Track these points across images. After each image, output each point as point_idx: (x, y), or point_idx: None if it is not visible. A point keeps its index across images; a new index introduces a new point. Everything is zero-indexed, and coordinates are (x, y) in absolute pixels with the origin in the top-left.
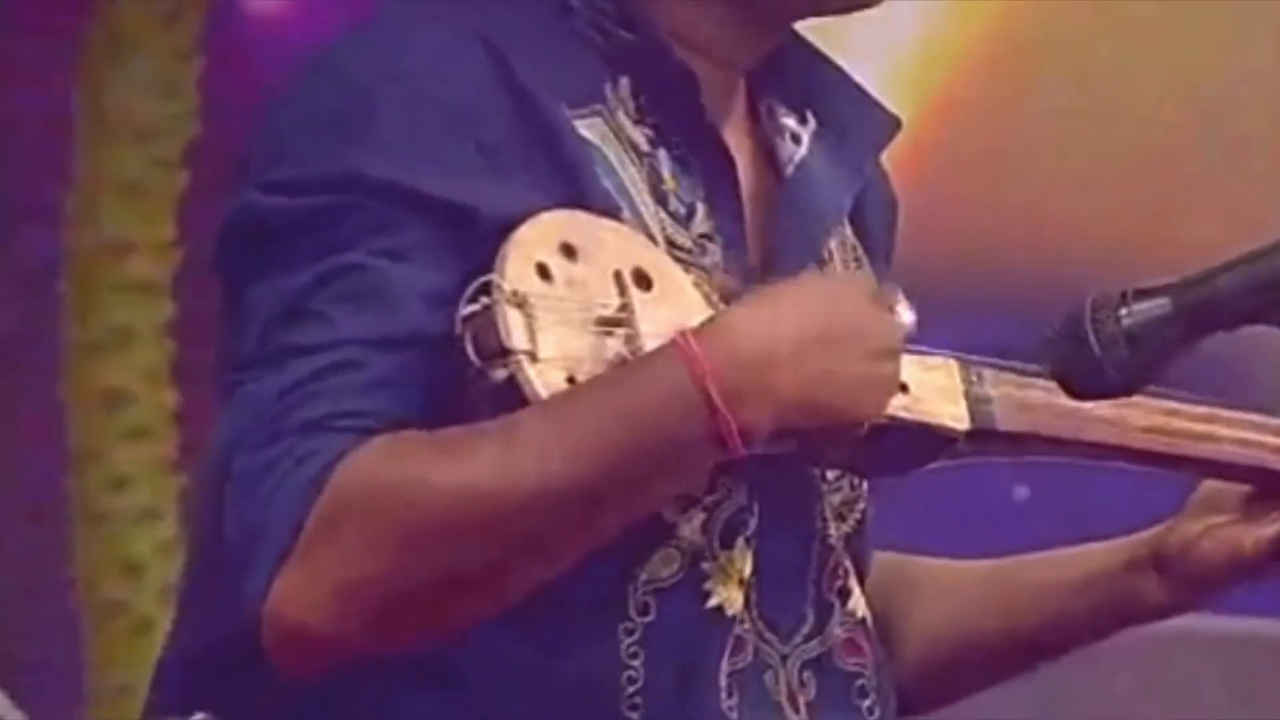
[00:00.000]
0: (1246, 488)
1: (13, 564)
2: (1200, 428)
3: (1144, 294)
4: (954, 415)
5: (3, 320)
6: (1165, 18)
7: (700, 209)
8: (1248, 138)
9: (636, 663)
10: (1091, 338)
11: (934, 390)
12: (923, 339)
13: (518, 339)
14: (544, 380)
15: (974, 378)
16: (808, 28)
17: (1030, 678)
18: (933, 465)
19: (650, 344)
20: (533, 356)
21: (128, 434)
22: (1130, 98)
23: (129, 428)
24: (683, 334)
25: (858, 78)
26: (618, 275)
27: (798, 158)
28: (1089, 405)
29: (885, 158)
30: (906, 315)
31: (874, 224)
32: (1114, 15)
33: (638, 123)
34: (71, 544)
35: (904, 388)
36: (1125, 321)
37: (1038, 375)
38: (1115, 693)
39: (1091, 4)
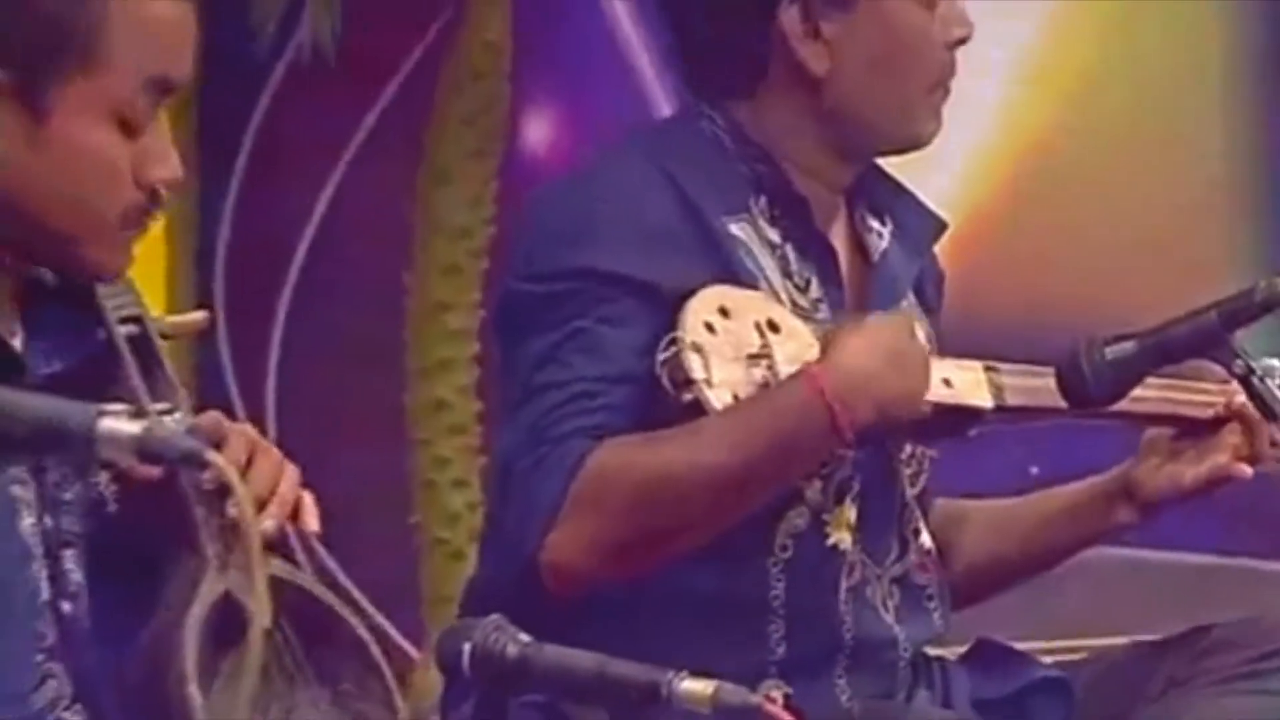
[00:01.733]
0: (1172, 431)
1: (371, 516)
2: (1136, 392)
3: (1120, 338)
4: (981, 398)
5: (365, 354)
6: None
7: (814, 282)
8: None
9: (779, 585)
10: (1085, 366)
11: (968, 384)
12: (972, 356)
13: (698, 372)
14: (718, 398)
15: (994, 374)
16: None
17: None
18: (971, 431)
19: (784, 370)
20: (709, 383)
21: (448, 430)
22: (1123, 200)
23: (449, 425)
24: (807, 363)
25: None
26: (758, 325)
27: (881, 249)
28: (1082, 407)
29: (946, 243)
30: (924, 334)
31: (929, 292)
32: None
33: (771, 225)
34: (412, 502)
35: (949, 383)
36: (1107, 356)
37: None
38: (1068, 605)
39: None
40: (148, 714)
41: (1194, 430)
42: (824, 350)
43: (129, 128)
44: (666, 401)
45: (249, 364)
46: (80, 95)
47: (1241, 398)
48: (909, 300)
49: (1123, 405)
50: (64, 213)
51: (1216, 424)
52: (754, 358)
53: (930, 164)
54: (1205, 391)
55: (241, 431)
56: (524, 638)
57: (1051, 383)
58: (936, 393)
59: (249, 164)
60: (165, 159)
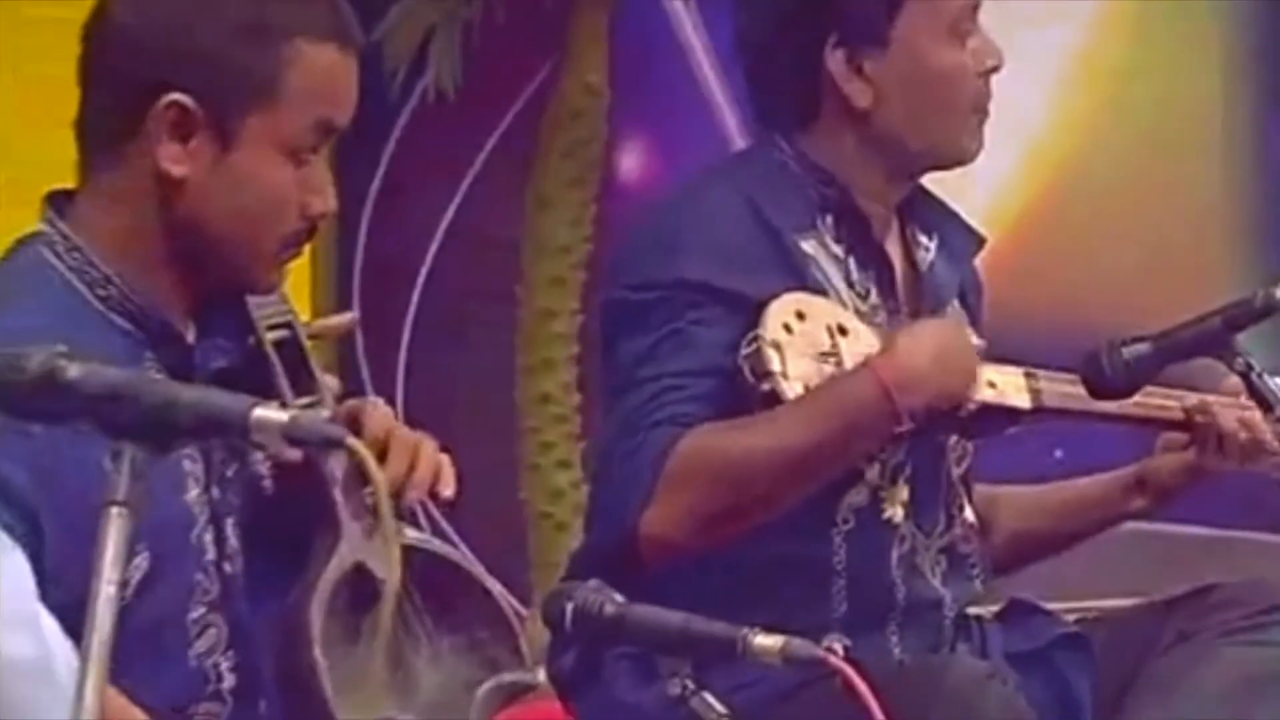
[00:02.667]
0: (1185, 436)
1: (486, 494)
2: (1151, 401)
3: (1136, 340)
4: (1021, 400)
5: (482, 353)
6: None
7: (872, 290)
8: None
9: (841, 552)
10: (1105, 364)
11: (1010, 386)
12: (1012, 359)
13: (775, 366)
14: (791, 389)
15: (1032, 379)
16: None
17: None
18: (1011, 429)
19: (850, 366)
20: (784, 376)
21: (552, 419)
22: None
23: (553, 415)
24: (869, 358)
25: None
26: (829, 328)
27: (928, 261)
28: (1103, 400)
29: (984, 256)
30: (979, 341)
31: (971, 300)
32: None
33: (836, 241)
34: (521, 481)
35: (993, 385)
36: (1125, 356)
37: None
38: (1088, 571)
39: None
40: (283, 670)
41: (1193, 432)
42: (885, 348)
43: (298, 162)
44: (747, 392)
45: (381, 362)
46: (260, 129)
47: (1208, 398)
48: (954, 307)
49: (1143, 413)
50: (236, 232)
51: (1189, 423)
52: (824, 355)
53: (968, 184)
54: (1171, 397)
55: (383, 416)
56: (619, 598)
57: (1081, 389)
58: (982, 394)
59: (381, 188)
60: (324, 193)
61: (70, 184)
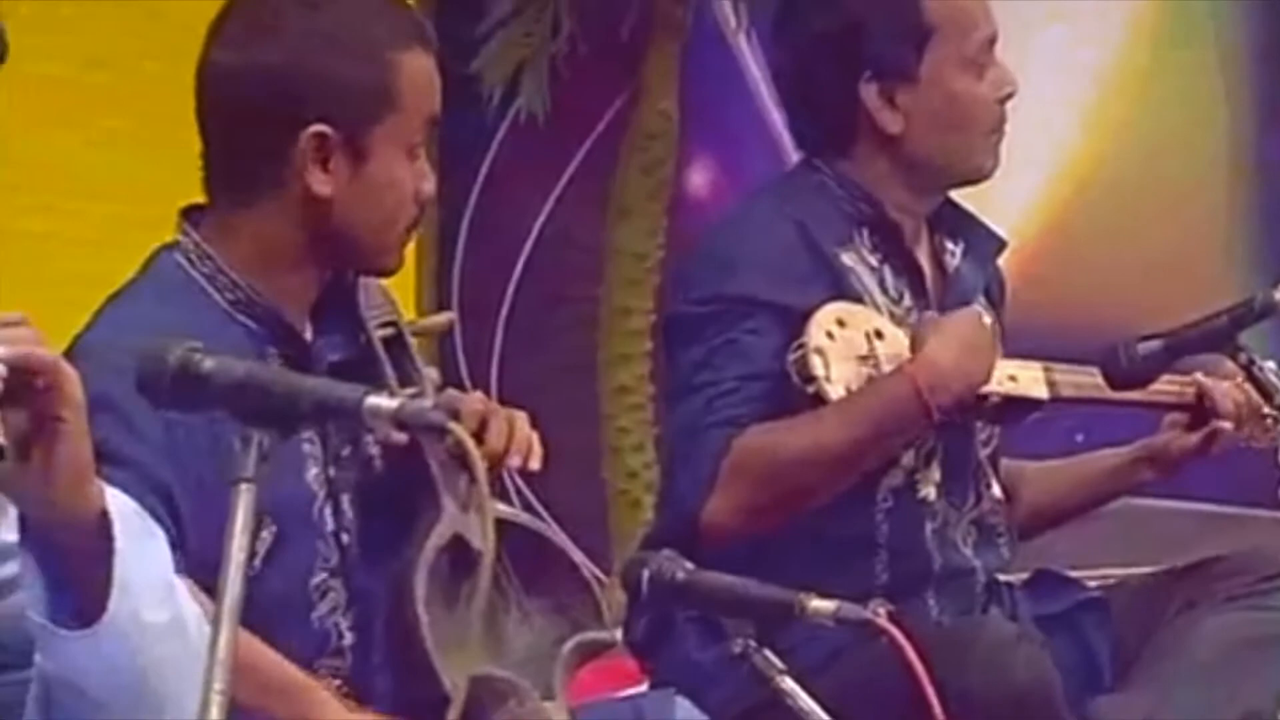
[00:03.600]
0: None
1: (570, 474)
2: (1158, 387)
3: (1149, 337)
4: (1039, 391)
5: (566, 348)
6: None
7: (905, 294)
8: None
9: (883, 527)
10: (1122, 358)
11: (1030, 379)
12: (1036, 353)
13: (820, 371)
14: (835, 391)
15: (1050, 372)
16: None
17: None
18: (1033, 415)
19: (887, 369)
20: (828, 379)
21: (629, 408)
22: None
23: (629, 405)
24: (903, 362)
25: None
26: (867, 333)
27: (954, 264)
28: (1120, 391)
29: (1009, 260)
30: (990, 324)
31: (994, 292)
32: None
33: (871, 252)
34: (601, 463)
35: (1014, 379)
36: (1139, 351)
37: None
38: (1104, 542)
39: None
40: (392, 629)
41: (1196, 413)
42: (913, 347)
43: (412, 157)
44: (794, 394)
45: (477, 357)
46: (387, 137)
47: (1202, 379)
48: (979, 302)
49: (1146, 397)
50: (374, 230)
51: (1200, 406)
52: (863, 358)
53: (994, 196)
54: (1181, 384)
55: (480, 399)
56: (689, 566)
57: (1093, 378)
58: (1005, 386)
59: (478, 201)
60: (429, 177)
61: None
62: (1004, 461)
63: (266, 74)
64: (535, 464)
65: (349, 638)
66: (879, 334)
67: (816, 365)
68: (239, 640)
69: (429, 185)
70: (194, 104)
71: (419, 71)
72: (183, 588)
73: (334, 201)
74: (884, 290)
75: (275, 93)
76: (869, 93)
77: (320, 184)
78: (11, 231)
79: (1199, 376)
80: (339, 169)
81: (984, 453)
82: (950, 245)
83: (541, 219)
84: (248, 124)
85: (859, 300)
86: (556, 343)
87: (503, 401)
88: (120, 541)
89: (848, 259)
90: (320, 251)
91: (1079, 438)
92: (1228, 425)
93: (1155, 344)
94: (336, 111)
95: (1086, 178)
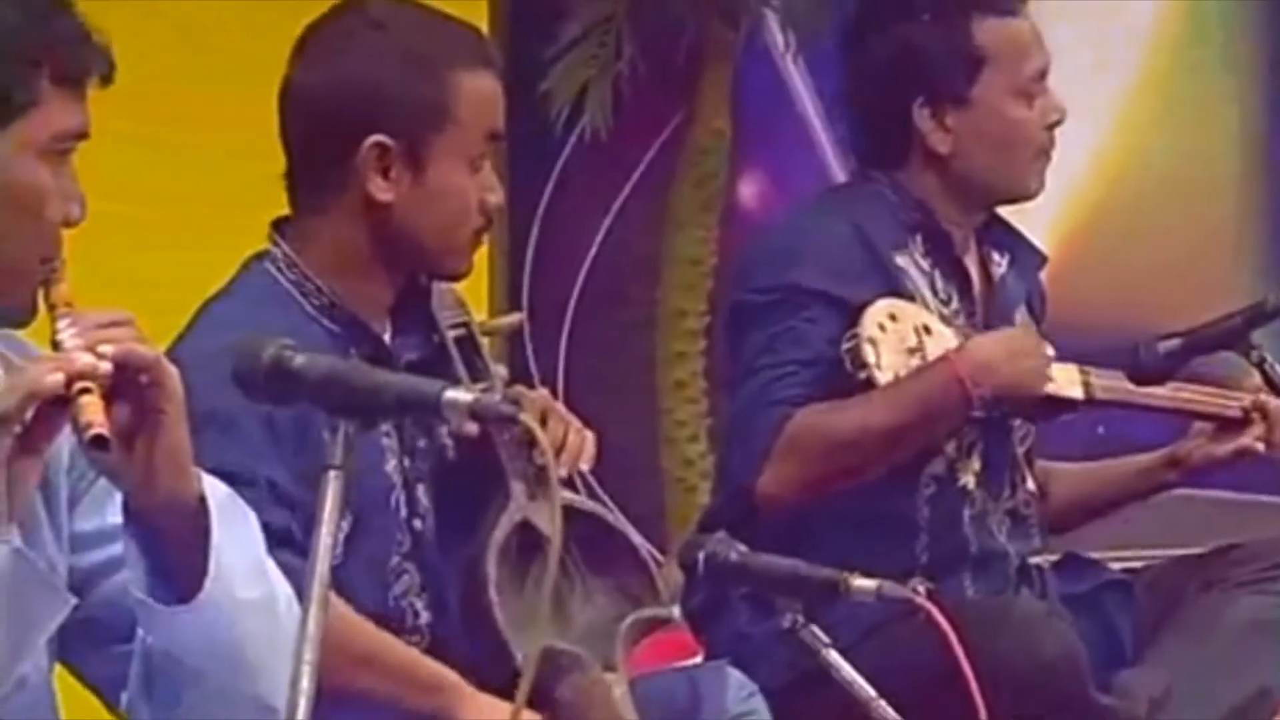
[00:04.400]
0: (1212, 425)
1: (631, 462)
2: (1184, 395)
3: (1168, 336)
4: (1075, 392)
5: (627, 347)
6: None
7: (954, 297)
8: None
9: (924, 511)
10: (1144, 355)
11: (1067, 380)
12: (1068, 355)
13: (870, 359)
14: (883, 378)
15: (1085, 374)
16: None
17: None
18: (1067, 415)
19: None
20: (878, 367)
21: (685, 401)
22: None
23: (685, 398)
24: (948, 353)
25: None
26: (916, 328)
27: (1000, 274)
28: (1141, 386)
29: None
30: (1049, 349)
31: (1036, 306)
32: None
33: (924, 256)
34: (659, 453)
35: (1052, 380)
36: (1160, 349)
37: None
38: (1129, 528)
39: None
40: (466, 607)
41: (1226, 424)
42: (961, 345)
43: (474, 169)
44: (846, 379)
45: (545, 355)
46: (446, 149)
47: (1265, 399)
48: (1021, 313)
49: (1181, 404)
50: (435, 235)
51: (1245, 420)
52: (911, 350)
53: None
54: (1236, 397)
55: (542, 398)
56: (742, 548)
57: (1124, 383)
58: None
59: (546, 211)
60: (495, 189)
61: None
62: (1038, 462)
63: (332, 89)
64: (586, 464)
65: (425, 616)
66: (927, 330)
67: (868, 354)
68: (353, 622)
69: (494, 196)
70: (276, 121)
71: (478, 89)
72: (273, 567)
73: (394, 207)
74: (934, 292)
75: (339, 105)
76: (921, 115)
77: (381, 191)
78: None
79: (1262, 398)
80: (401, 177)
81: (1020, 449)
82: (996, 256)
83: (604, 228)
84: (316, 135)
85: (910, 298)
86: (618, 342)
87: (568, 396)
88: (216, 525)
89: (901, 260)
90: (389, 255)
91: (1100, 430)
92: (1260, 447)
93: (1174, 342)
94: (396, 123)
95: (1109, 186)
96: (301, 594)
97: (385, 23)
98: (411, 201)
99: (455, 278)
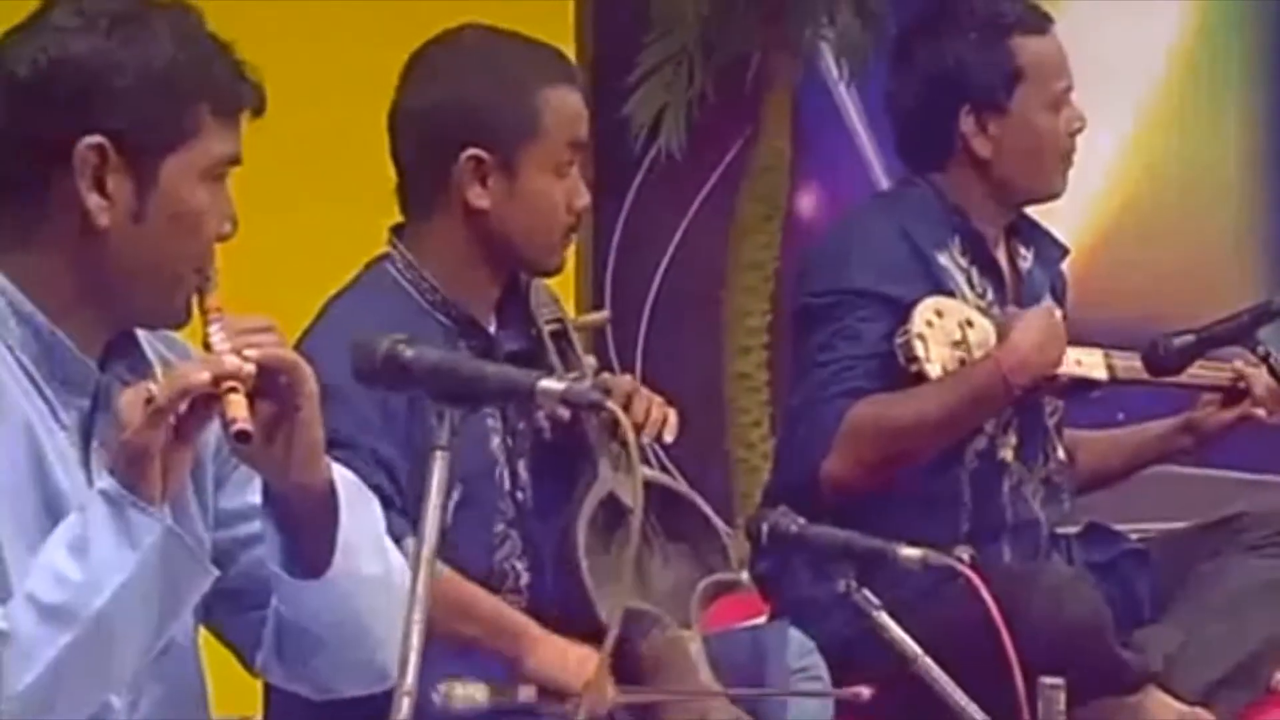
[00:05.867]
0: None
1: (701, 445)
2: (1197, 371)
3: (1182, 333)
4: (1100, 373)
5: (697, 341)
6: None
7: (989, 290)
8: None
9: (967, 485)
10: (1161, 349)
11: (1093, 363)
12: (1093, 339)
13: (921, 353)
14: (933, 370)
15: (1109, 357)
16: None
17: None
18: (1094, 393)
19: (976, 352)
20: (928, 360)
21: (748, 390)
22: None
23: (748, 388)
24: (990, 349)
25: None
26: (960, 323)
27: (1027, 268)
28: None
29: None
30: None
31: (1059, 292)
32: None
33: (962, 255)
34: (725, 437)
35: (1079, 362)
36: (1175, 344)
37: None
38: (1146, 502)
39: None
40: (559, 570)
41: (1231, 395)
42: (999, 336)
43: (561, 175)
44: (898, 371)
45: (625, 348)
46: (534, 157)
47: (1244, 367)
48: (1047, 298)
49: (1182, 379)
50: (529, 238)
51: (1236, 390)
52: (956, 344)
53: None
54: (1224, 369)
55: (628, 382)
56: (801, 520)
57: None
58: (1071, 369)
59: (626, 220)
60: (582, 193)
61: None
62: (1067, 432)
63: (431, 109)
64: (669, 436)
65: (525, 577)
66: (969, 323)
67: (918, 348)
68: (457, 583)
69: (580, 199)
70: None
71: (563, 104)
72: (390, 543)
73: (491, 213)
74: (971, 287)
75: (440, 123)
76: (967, 121)
77: (477, 198)
78: None
79: (1239, 364)
80: (497, 186)
81: (1051, 421)
82: (1023, 251)
83: (677, 236)
84: (421, 151)
85: (952, 295)
86: (689, 337)
87: (644, 385)
88: (343, 508)
89: (943, 260)
90: (489, 256)
91: (1120, 416)
92: (1261, 412)
93: (1187, 338)
94: (490, 137)
95: (1129, 197)
96: (401, 548)
97: (477, 48)
98: (506, 206)
99: (549, 273)
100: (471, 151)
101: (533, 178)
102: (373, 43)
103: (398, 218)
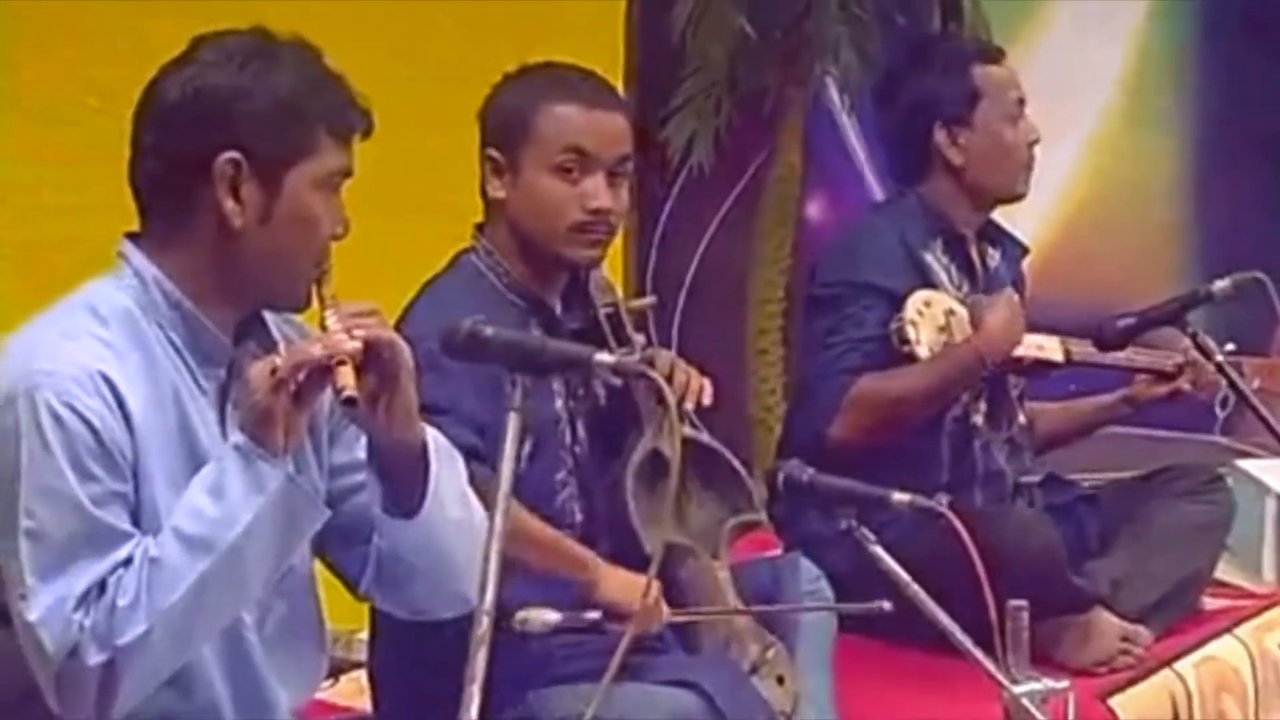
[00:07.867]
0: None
1: (726, 409)
2: (1136, 356)
3: (1124, 315)
4: (1058, 355)
5: (724, 323)
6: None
7: (965, 285)
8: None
9: (945, 444)
10: (1106, 329)
11: (1053, 348)
12: (1048, 327)
13: (912, 337)
14: (923, 352)
15: (1066, 342)
16: None
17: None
18: (1053, 373)
19: (958, 337)
20: (918, 343)
21: (766, 363)
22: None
23: (766, 362)
24: (969, 336)
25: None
26: (944, 312)
27: (994, 265)
28: (1104, 352)
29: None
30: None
31: (1020, 289)
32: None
33: (944, 254)
34: (748, 402)
35: (1040, 347)
36: (1118, 325)
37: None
38: (1096, 456)
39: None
40: (610, 512)
41: (1162, 375)
42: (972, 320)
43: (566, 177)
44: (894, 352)
45: (664, 328)
46: (531, 157)
47: (1193, 355)
48: (1009, 291)
49: (1128, 361)
50: (535, 228)
51: (1178, 372)
52: (941, 329)
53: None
54: (1170, 355)
55: (671, 355)
56: (810, 470)
57: (1094, 349)
58: (1033, 352)
59: (665, 224)
60: (597, 196)
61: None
62: (1028, 404)
63: (482, 117)
64: (707, 400)
65: (580, 517)
66: (952, 312)
67: (910, 333)
68: (521, 513)
69: (597, 202)
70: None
71: (563, 117)
72: (473, 496)
73: (507, 204)
74: (951, 282)
75: (481, 129)
76: (940, 135)
77: (496, 190)
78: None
79: (1191, 353)
80: (506, 185)
81: (1014, 394)
82: (992, 251)
83: (707, 236)
84: (481, 154)
85: (935, 288)
86: (718, 319)
87: (682, 358)
88: (433, 462)
89: (929, 258)
90: (523, 246)
91: (1071, 387)
92: (1187, 386)
93: (1129, 320)
94: (501, 139)
95: (1082, 201)
96: (485, 498)
97: (521, 71)
98: (515, 202)
99: (565, 264)
100: (488, 153)
101: (530, 175)
102: (452, 80)
103: (466, 224)
